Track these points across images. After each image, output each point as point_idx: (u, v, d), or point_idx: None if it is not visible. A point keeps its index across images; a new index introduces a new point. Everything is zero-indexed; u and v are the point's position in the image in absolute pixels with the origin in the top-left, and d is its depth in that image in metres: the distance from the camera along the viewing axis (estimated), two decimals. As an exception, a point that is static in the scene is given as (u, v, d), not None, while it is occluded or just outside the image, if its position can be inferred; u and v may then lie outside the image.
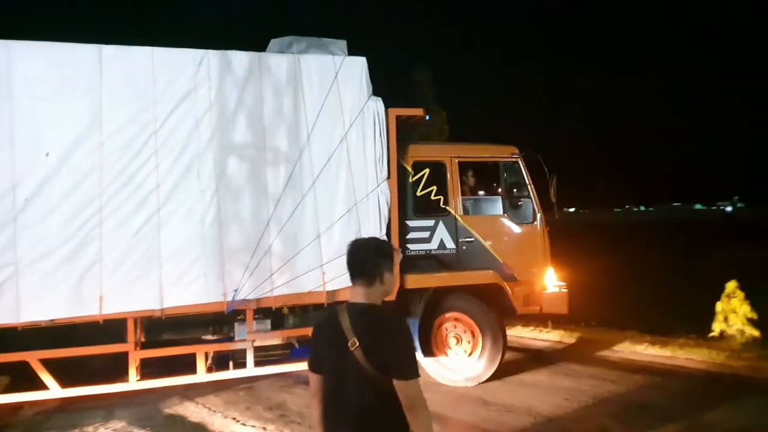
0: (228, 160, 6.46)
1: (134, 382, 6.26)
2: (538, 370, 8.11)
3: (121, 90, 6.14)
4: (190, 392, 7.07)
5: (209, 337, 6.78)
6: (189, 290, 6.24)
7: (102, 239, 5.98)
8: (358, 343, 2.35)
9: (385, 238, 6.93)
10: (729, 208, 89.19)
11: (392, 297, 6.95)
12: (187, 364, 6.49)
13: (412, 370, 2.35)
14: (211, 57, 6.46)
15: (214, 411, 6.56)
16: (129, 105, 6.17)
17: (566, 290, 7.83)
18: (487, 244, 7.58)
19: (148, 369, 6.49)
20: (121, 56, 6.20)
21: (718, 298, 9.19)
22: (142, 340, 6.46)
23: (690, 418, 5.96)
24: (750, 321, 8.88)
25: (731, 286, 9.15)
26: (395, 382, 2.34)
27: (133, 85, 6.19)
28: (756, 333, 8.79)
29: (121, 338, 6.24)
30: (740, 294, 9.04)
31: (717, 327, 9.11)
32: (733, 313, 9.03)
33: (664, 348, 8.98)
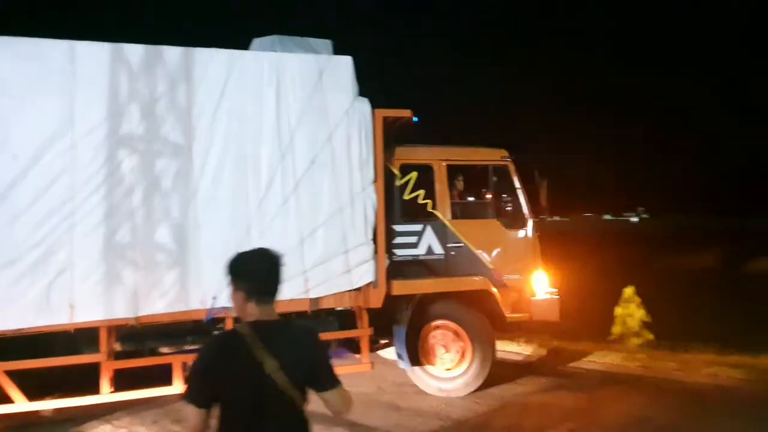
0: (207, 164, 6.21)
1: (107, 395, 5.96)
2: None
3: (94, 88, 5.87)
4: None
5: (189, 347, 6.50)
6: (165, 298, 5.98)
7: (73, 244, 5.70)
8: (278, 365, 2.12)
9: (371, 243, 6.70)
10: (635, 219, 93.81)
11: (378, 304, 6.82)
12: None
13: (337, 376, 2.30)
14: (190, 55, 6.21)
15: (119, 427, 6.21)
16: (102, 104, 5.90)
17: (557, 297, 7.66)
18: (476, 249, 7.38)
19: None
20: (94, 53, 5.93)
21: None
22: (117, 350, 6.17)
23: (585, 416, 6.44)
24: (645, 324, 9.57)
25: (628, 291, 9.81)
26: (325, 393, 2.24)
27: (107, 83, 5.92)
28: (650, 336, 9.49)
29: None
30: (637, 299, 9.71)
31: (616, 330, 9.77)
32: (629, 317, 9.69)
33: (572, 351, 9.43)
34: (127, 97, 5.96)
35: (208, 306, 6.05)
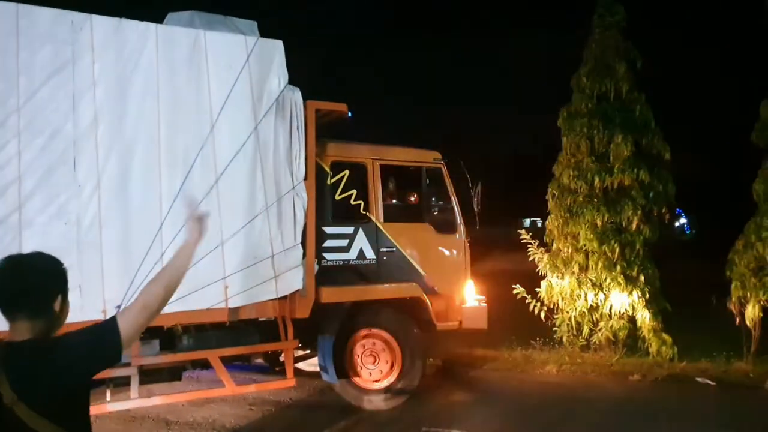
0: (113, 151, 5.37)
1: None
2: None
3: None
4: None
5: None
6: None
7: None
8: (16, 397, 1.75)
9: (299, 247, 6.12)
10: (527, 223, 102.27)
11: (305, 314, 6.26)
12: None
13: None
14: (95, 23, 5.33)
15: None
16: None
17: (486, 304, 7.47)
18: (408, 254, 7.01)
19: None
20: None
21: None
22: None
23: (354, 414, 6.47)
24: None
25: None
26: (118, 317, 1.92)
27: None
28: None
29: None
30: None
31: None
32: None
33: None
34: (15, 67, 5.00)
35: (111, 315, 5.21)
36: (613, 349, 8.91)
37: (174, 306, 5.47)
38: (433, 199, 7.38)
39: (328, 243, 6.60)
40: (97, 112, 5.29)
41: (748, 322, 8.56)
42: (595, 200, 9.14)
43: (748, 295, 8.49)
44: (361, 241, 6.78)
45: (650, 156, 9.48)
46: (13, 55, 5.01)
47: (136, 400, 5.50)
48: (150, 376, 5.82)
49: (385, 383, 6.72)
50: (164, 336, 5.77)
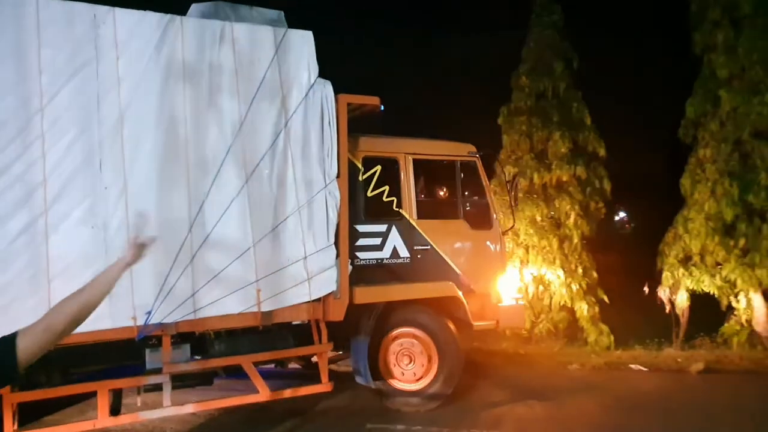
0: (140, 152, 5.14)
1: None
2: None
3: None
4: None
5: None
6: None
7: None
8: None
9: (333, 247, 5.88)
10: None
11: (339, 317, 6.03)
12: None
13: None
14: (118, 16, 5.09)
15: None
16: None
17: (523, 302, 7.22)
18: (443, 252, 6.74)
19: None
20: None
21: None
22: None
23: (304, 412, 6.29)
24: None
25: None
26: None
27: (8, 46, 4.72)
28: None
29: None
30: None
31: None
32: None
33: None
34: (37, 64, 4.78)
35: (141, 323, 5.03)
36: (554, 341, 9.51)
37: (207, 310, 5.31)
38: (468, 194, 7.10)
39: (361, 242, 6.35)
40: (122, 111, 5.06)
41: (677, 310, 9.23)
42: (535, 196, 9.71)
43: (677, 284, 9.14)
44: (395, 239, 6.53)
45: (586, 153, 10.08)
46: (34, 52, 4.79)
47: (168, 409, 5.33)
48: (180, 381, 5.64)
49: (422, 384, 6.48)
50: (195, 341, 5.58)
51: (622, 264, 12.32)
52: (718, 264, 9.06)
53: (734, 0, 9.34)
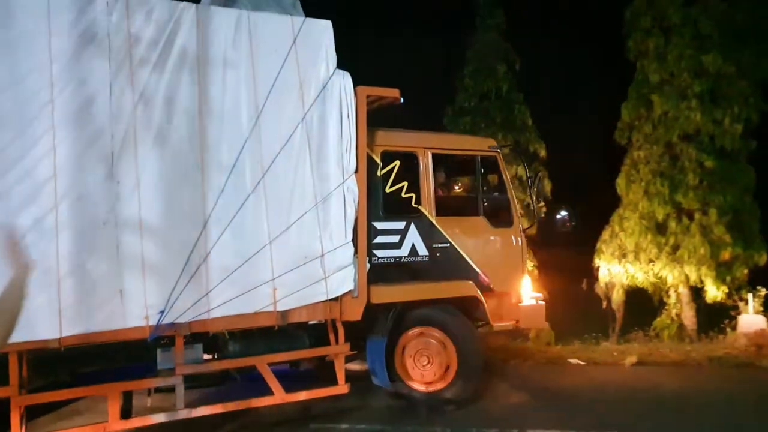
0: (153, 146, 4.95)
1: None
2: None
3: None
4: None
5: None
6: (99, 313, 4.71)
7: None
8: None
9: (351, 245, 5.68)
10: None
11: (357, 316, 5.84)
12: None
13: None
14: (130, 4, 4.88)
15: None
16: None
17: (543, 302, 7.01)
18: (462, 250, 6.53)
19: None
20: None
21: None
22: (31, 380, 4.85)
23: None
24: None
25: None
26: None
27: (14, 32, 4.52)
28: None
29: None
30: None
31: None
32: None
33: None
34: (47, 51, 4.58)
35: (153, 323, 4.86)
36: (496, 337, 9.50)
37: (222, 309, 5.13)
38: (488, 190, 6.87)
39: (379, 239, 6.14)
40: (135, 104, 4.86)
41: (613, 306, 9.76)
42: None
43: (614, 280, 9.65)
44: (413, 237, 6.32)
45: (528, 153, 10.43)
46: (44, 40, 4.59)
47: (181, 411, 5.15)
48: (192, 381, 5.47)
49: (441, 385, 6.30)
50: (210, 342, 5.41)
51: (563, 261, 12.46)
52: (651, 261, 9.55)
53: (664, 10, 9.91)
